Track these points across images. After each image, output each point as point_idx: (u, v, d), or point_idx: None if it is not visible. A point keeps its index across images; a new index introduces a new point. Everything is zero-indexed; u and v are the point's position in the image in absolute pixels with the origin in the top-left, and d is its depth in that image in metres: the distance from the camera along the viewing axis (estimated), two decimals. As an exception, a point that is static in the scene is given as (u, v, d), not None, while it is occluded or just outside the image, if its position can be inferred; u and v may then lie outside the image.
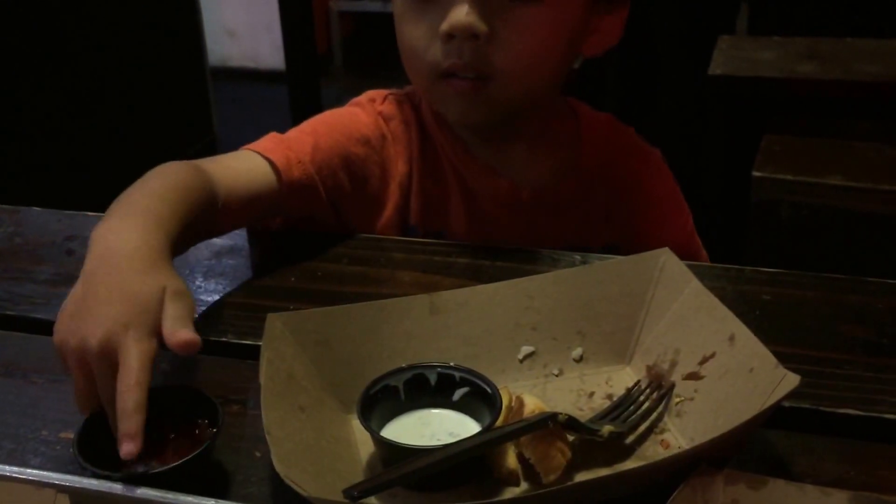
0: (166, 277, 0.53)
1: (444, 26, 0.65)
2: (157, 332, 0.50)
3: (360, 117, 0.75)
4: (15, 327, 0.64)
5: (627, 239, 0.78)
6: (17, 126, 2.18)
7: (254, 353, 0.58)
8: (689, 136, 2.38)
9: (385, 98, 0.77)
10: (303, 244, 0.73)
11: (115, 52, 2.49)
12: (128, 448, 0.45)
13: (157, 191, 0.60)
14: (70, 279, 0.68)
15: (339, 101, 0.79)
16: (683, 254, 0.81)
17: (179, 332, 0.49)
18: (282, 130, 0.74)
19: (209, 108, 2.92)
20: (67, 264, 0.71)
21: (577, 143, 0.78)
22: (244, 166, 0.68)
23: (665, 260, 0.58)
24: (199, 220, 0.61)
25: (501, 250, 0.72)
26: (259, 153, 0.69)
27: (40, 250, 0.74)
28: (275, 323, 0.52)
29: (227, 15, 3.48)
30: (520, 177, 0.76)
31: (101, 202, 0.62)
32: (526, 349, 0.57)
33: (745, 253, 1.68)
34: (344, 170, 0.72)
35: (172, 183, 0.61)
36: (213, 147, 2.94)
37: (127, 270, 0.52)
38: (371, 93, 0.78)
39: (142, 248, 0.54)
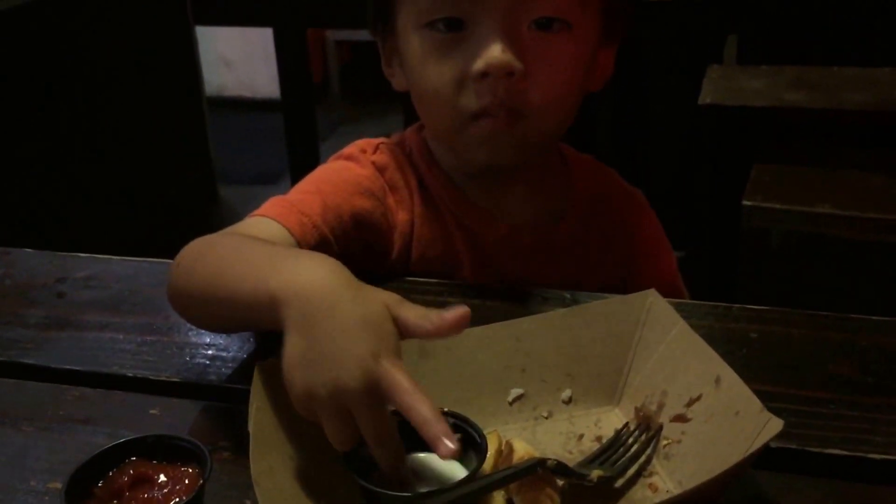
0: (375, 292, 0.51)
1: (479, 65, 0.64)
2: (400, 353, 0.49)
3: (356, 170, 0.74)
4: (4, 373, 0.64)
5: (619, 280, 0.79)
6: (10, 156, 2.19)
7: (243, 398, 0.58)
8: (680, 164, 2.40)
9: (377, 148, 0.76)
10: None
11: (111, 82, 2.50)
12: (449, 448, 0.45)
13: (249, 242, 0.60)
14: (61, 322, 0.69)
15: (336, 130, 0.80)
16: (669, 293, 0.83)
17: (442, 315, 0.48)
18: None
19: (206, 137, 2.94)
20: (58, 307, 0.72)
21: (568, 186, 0.79)
22: (264, 235, 0.66)
23: (652, 301, 0.59)
24: None
25: (492, 289, 0.73)
26: (273, 219, 0.67)
27: (31, 293, 0.74)
28: (263, 371, 0.52)
29: (223, 45, 3.50)
30: (518, 221, 0.76)
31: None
32: (515, 392, 0.58)
33: (738, 280, 1.69)
34: (353, 225, 0.71)
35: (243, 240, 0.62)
36: (211, 176, 2.95)
37: (339, 302, 0.49)
38: (361, 143, 0.77)
39: (329, 275, 0.51)
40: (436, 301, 0.71)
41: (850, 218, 1.49)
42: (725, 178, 1.88)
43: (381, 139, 0.77)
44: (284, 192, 0.73)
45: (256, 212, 0.69)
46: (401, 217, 0.74)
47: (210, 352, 0.65)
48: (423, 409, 0.46)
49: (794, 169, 1.62)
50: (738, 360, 0.62)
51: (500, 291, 0.72)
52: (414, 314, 0.50)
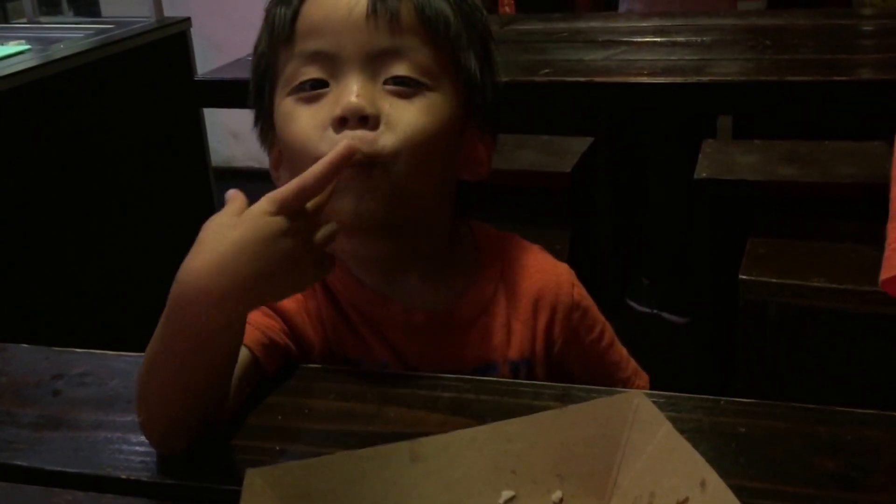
0: None
1: (337, 111, 0.70)
2: None
3: None
4: (-2, 476, 0.64)
5: (537, 353, 0.81)
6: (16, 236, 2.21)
7: (235, 499, 0.59)
8: (678, 237, 2.42)
9: None
10: (290, 378, 0.74)
11: (120, 153, 2.55)
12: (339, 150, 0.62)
13: None
14: (54, 422, 0.70)
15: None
16: (599, 366, 0.85)
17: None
18: None
19: (213, 207, 2.98)
20: (53, 406, 0.72)
21: (475, 265, 0.81)
22: None
23: (638, 403, 0.59)
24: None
25: (485, 383, 0.73)
26: None
27: (26, 391, 0.75)
28: (254, 479, 0.53)
29: (230, 119, 3.57)
30: (413, 300, 0.78)
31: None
32: (506, 493, 0.58)
33: (738, 350, 1.70)
34: (281, 321, 0.75)
35: None
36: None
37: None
38: None
39: None
40: (430, 396, 0.71)
41: (843, 291, 1.51)
42: (722, 250, 1.90)
43: None
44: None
45: None
46: (311, 306, 0.78)
47: (209, 452, 0.65)
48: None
49: (789, 242, 1.64)
50: (726, 455, 0.63)
51: (493, 385, 0.73)
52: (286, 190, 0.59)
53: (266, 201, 0.60)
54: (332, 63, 0.71)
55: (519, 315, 0.80)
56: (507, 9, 2.77)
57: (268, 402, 0.71)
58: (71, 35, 2.57)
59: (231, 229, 0.59)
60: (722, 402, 0.70)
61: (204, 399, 0.64)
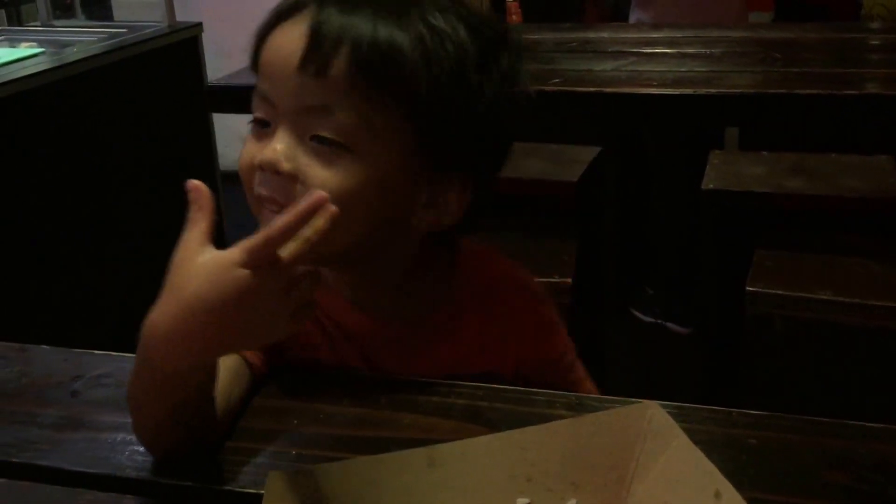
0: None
1: (257, 157, 0.71)
2: None
3: None
4: (20, 476, 0.65)
5: (503, 366, 0.82)
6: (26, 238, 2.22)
7: (253, 503, 0.60)
8: (683, 247, 2.43)
9: None
10: (305, 384, 0.75)
11: (130, 156, 2.56)
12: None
13: None
14: (74, 423, 0.71)
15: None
16: (562, 383, 0.85)
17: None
18: None
19: (220, 210, 2.99)
20: (72, 407, 0.73)
21: (449, 279, 0.81)
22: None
23: (652, 413, 0.60)
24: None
25: (499, 391, 0.74)
26: None
27: (47, 391, 0.76)
28: (275, 482, 0.54)
29: (239, 122, 3.56)
30: (387, 312, 0.79)
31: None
32: (522, 501, 0.59)
33: (742, 361, 1.71)
34: None
35: None
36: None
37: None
38: None
39: None
40: (444, 403, 0.72)
41: (849, 304, 1.52)
42: (728, 261, 1.91)
43: None
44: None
45: None
46: None
47: (228, 456, 0.66)
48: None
49: (796, 255, 1.65)
50: (737, 466, 0.63)
51: (506, 393, 0.74)
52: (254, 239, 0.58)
53: (238, 251, 0.59)
54: (272, 108, 0.71)
55: (490, 329, 0.81)
56: (514, 17, 2.78)
57: (282, 407, 0.72)
58: (83, 39, 2.59)
59: (197, 278, 0.59)
60: (733, 414, 0.71)
61: (182, 418, 0.64)
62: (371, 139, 0.69)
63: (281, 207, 0.69)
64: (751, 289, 1.56)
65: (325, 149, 0.69)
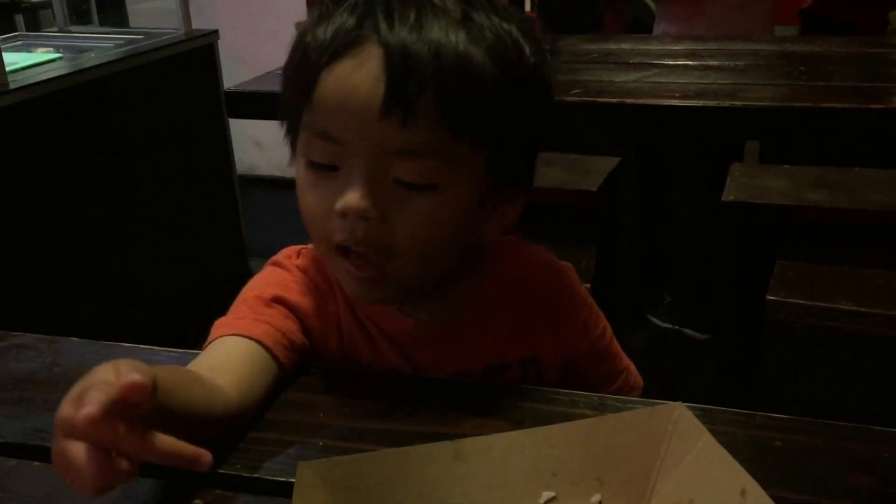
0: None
1: (339, 205, 0.68)
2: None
3: (285, 275, 0.80)
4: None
5: (545, 349, 0.82)
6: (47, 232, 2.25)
7: (283, 490, 0.60)
8: (700, 257, 2.43)
9: (299, 253, 0.82)
10: (331, 379, 0.76)
11: (147, 165, 2.59)
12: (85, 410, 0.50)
13: None
14: (108, 412, 0.72)
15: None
16: (602, 363, 0.87)
17: (130, 375, 0.52)
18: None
19: (237, 214, 3.02)
20: (105, 396, 0.74)
21: (480, 273, 0.82)
22: (227, 350, 0.72)
23: (678, 414, 0.61)
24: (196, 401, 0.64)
25: (521, 390, 0.75)
26: (231, 335, 0.73)
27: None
28: (305, 471, 0.55)
29: (254, 128, 3.62)
30: (423, 313, 0.80)
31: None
32: (546, 494, 0.60)
33: (761, 371, 1.70)
34: (294, 315, 0.77)
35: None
36: (242, 252, 3.02)
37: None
38: (286, 251, 0.83)
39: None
40: (467, 399, 0.73)
41: (871, 315, 1.51)
42: (748, 272, 1.91)
43: (302, 246, 0.83)
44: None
45: (208, 339, 0.74)
46: (331, 308, 0.79)
47: (255, 446, 0.67)
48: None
49: (817, 266, 1.65)
50: (761, 467, 0.63)
51: (528, 392, 0.74)
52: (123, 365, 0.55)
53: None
54: (342, 149, 0.67)
55: (526, 315, 0.82)
56: (533, 28, 2.79)
57: (309, 401, 0.73)
58: (100, 45, 2.62)
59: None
60: (757, 417, 0.71)
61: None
62: (453, 176, 0.68)
63: (371, 252, 0.69)
64: (772, 298, 1.56)
65: (407, 191, 0.68)
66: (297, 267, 0.81)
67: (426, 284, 0.75)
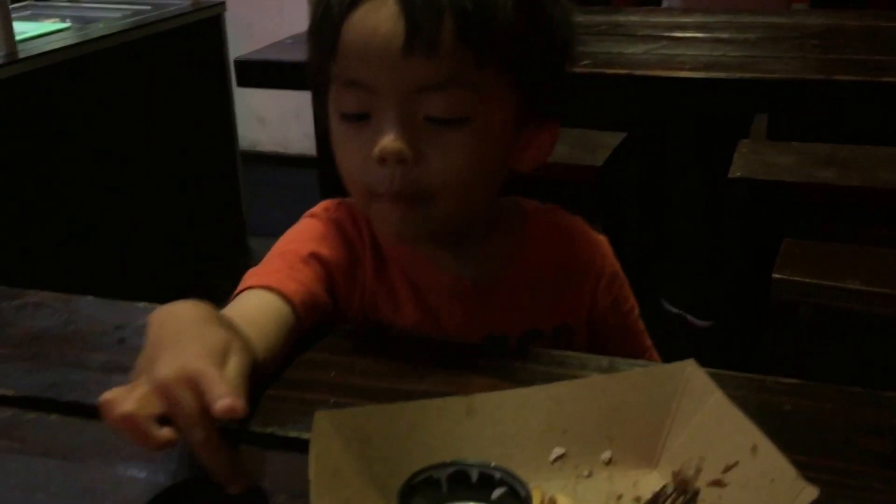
0: (231, 331, 0.57)
1: (376, 151, 0.69)
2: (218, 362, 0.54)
3: (319, 226, 0.80)
4: (70, 412, 0.67)
5: (579, 319, 0.83)
6: (55, 214, 2.26)
7: (295, 445, 0.61)
8: (703, 237, 2.42)
9: (337, 206, 0.83)
10: (344, 340, 0.77)
11: (152, 136, 2.59)
12: (224, 402, 0.49)
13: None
14: (121, 367, 0.72)
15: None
16: (628, 339, 0.87)
17: (226, 399, 0.52)
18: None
19: (238, 190, 3.02)
20: (119, 352, 0.75)
21: (521, 233, 0.83)
22: (254, 304, 0.72)
23: (690, 371, 0.61)
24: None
25: (532, 353, 0.75)
26: (259, 288, 0.73)
27: (93, 338, 0.78)
28: (322, 420, 0.55)
29: (257, 103, 3.61)
30: (462, 269, 0.80)
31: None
32: (557, 451, 0.60)
33: (765, 352, 1.70)
34: (323, 272, 0.77)
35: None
36: (242, 228, 3.01)
37: (192, 324, 0.57)
38: (324, 203, 0.83)
39: (204, 310, 0.59)
40: (477, 362, 0.73)
41: (878, 294, 1.51)
42: (754, 251, 1.90)
43: (341, 199, 0.83)
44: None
45: (239, 288, 0.74)
46: (357, 267, 0.80)
47: (268, 402, 0.68)
48: (217, 388, 0.51)
49: (824, 245, 1.64)
50: (772, 430, 0.63)
51: (538, 355, 0.75)
52: (232, 368, 0.55)
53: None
54: (372, 95, 0.69)
55: (563, 281, 0.83)
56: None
57: (319, 360, 0.74)
58: (108, 15, 2.62)
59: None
60: (767, 381, 0.72)
61: None
62: (483, 106, 0.69)
63: (409, 195, 0.70)
64: (777, 276, 1.56)
65: (440, 127, 0.69)
66: (333, 220, 0.81)
67: (466, 223, 0.76)
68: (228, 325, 0.61)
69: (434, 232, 0.75)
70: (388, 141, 0.68)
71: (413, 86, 0.67)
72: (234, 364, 0.55)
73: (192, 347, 0.54)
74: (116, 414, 0.50)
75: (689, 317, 2.45)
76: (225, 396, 0.50)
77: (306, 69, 0.76)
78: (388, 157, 0.68)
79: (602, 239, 0.87)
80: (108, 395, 0.51)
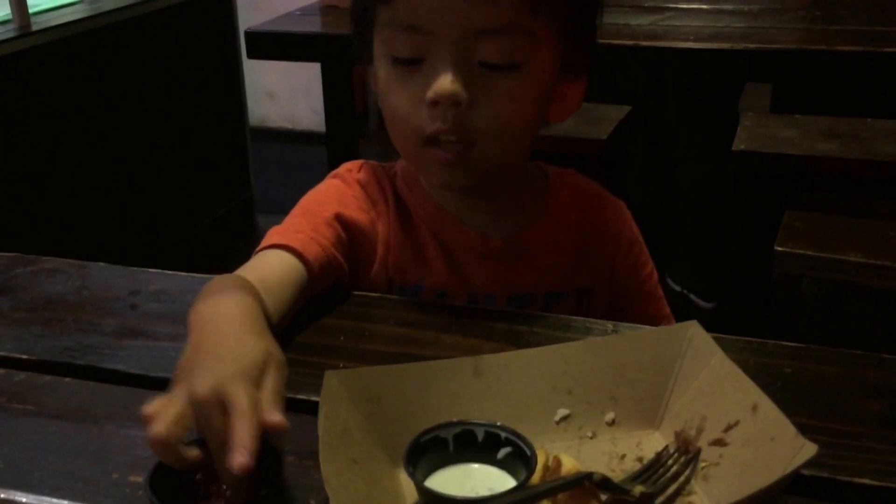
0: (270, 343, 0.58)
1: (430, 94, 0.70)
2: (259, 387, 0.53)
3: (342, 187, 0.82)
4: (84, 376, 0.68)
5: (600, 281, 0.84)
6: (67, 185, 2.27)
7: (304, 407, 0.62)
8: (708, 210, 2.42)
9: (361, 167, 0.84)
10: (352, 304, 0.78)
11: (163, 108, 2.60)
12: (240, 459, 0.47)
13: (239, 281, 0.66)
14: (134, 332, 0.74)
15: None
16: (646, 305, 0.88)
17: (273, 413, 0.52)
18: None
19: (248, 165, 3.03)
20: (132, 318, 0.76)
21: (544, 194, 0.84)
22: (275, 264, 0.72)
23: (693, 332, 0.62)
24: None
25: (538, 317, 0.76)
26: (279, 247, 0.73)
27: (106, 304, 0.79)
28: (331, 380, 0.57)
29: (267, 78, 3.61)
30: (489, 227, 0.81)
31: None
32: (562, 412, 0.61)
33: (768, 324, 1.71)
34: (345, 233, 0.78)
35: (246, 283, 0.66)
36: (251, 204, 3.02)
37: (231, 333, 0.57)
38: (348, 164, 0.85)
39: (244, 313, 0.59)
40: (485, 326, 0.74)
41: (880, 267, 1.51)
42: (756, 224, 1.91)
43: (364, 161, 0.85)
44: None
45: (262, 245, 0.75)
46: (381, 227, 0.81)
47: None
48: (242, 428, 0.49)
49: (826, 217, 1.64)
50: (772, 393, 0.64)
51: (545, 319, 0.76)
52: (271, 385, 0.54)
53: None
54: (427, 39, 0.70)
55: (586, 243, 0.84)
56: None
57: (328, 325, 0.75)
58: (119, -12, 2.61)
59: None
60: (769, 344, 0.73)
61: None
62: (535, 53, 0.71)
63: (458, 138, 0.71)
64: (779, 248, 1.56)
65: (493, 72, 0.70)
66: (357, 181, 0.82)
67: (501, 173, 0.77)
68: (267, 335, 0.59)
69: (476, 178, 0.76)
70: (445, 83, 0.69)
71: (472, 30, 0.69)
72: (271, 384, 0.54)
73: (229, 365, 0.53)
74: (152, 435, 0.50)
75: (694, 297, 2.46)
76: (245, 443, 0.49)
77: (350, 13, 0.77)
78: (442, 99, 0.70)
79: (621, 203, 0.88)
80: (148, 410, 0.51)
